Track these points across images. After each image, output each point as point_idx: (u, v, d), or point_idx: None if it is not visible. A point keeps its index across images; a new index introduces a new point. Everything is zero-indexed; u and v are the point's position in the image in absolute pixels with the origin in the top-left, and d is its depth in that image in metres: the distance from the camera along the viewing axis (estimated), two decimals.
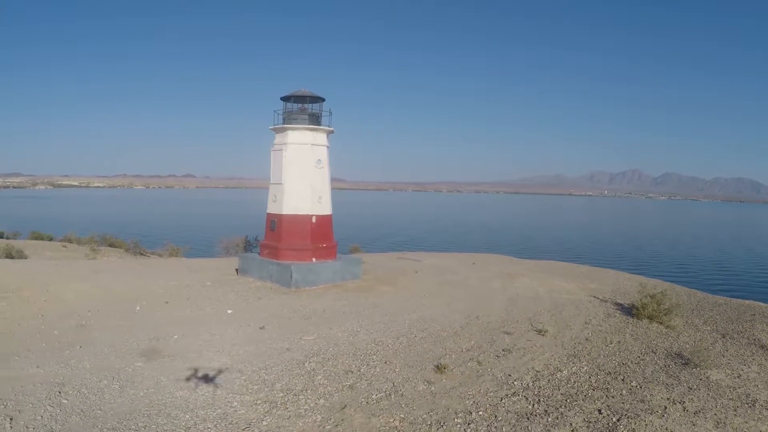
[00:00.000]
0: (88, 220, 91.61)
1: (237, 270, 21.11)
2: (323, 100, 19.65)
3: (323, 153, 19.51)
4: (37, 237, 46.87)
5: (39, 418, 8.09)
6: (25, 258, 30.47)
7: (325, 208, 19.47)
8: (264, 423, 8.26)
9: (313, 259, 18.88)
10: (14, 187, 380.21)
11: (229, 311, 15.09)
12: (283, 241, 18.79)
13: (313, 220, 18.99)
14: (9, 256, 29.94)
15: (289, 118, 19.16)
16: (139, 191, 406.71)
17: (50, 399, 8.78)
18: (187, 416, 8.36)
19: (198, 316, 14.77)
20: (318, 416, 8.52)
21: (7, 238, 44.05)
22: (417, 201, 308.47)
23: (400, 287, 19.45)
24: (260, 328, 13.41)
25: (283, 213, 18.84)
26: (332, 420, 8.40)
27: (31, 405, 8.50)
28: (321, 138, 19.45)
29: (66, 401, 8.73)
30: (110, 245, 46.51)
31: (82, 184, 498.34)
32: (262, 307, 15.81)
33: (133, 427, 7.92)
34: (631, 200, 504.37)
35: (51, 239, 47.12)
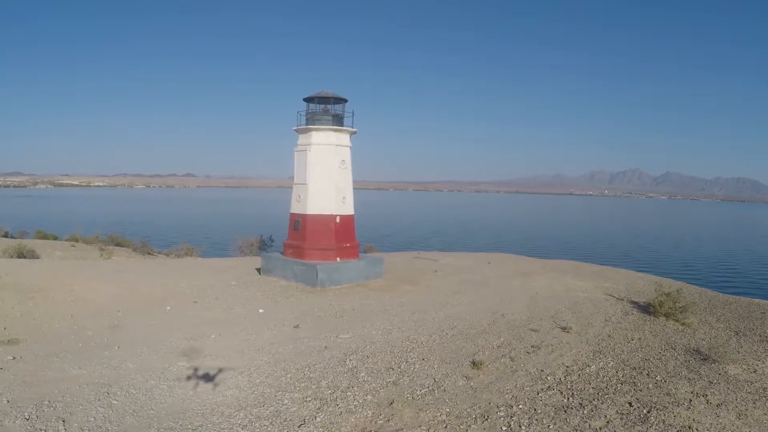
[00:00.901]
0: (91, 219, 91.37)
1: (259, 270, 21.33)
2: (346, 101, 19.89)
3: (347, 154, 19.77)
4: (43, 236, 46.77)
5: (92, 419, 8.19)
6: (37, 258, 30.55)
7: (348, 208, 19.73)
8: (318, 419, 8.47)
9: (338, 259, 19.12)
10: (15, 186, 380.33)
11: (261, 311, 15.31)
12: (308, 240, 19.02)
13: (338, 220, 19.24)
14: (21, 255, 29.86)
15: (312, 119, 19.40)
16: (140, 190, 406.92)
17: (100, 400, 8.88)
18: (242, 414, 8.55)
19: (230, 315, 14.98)
20: (369, 411, 8.77)
21: (12, 238, 43.70)
22: (418, 200, 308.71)
23: (423, 286, 19.70)
24: (294, 327, 13.63)
25: (308, 213, 19.08)
26: (383, 415, 8.65)
27: (81, 407, 8.59)
28: (344, 139, 19.71)
29: (116, 402, 8.84)
30: (117, 244, 46.57)
31: (83, 184, 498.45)
32: (291, 307, 16.03)
33: (189, 426, 8.07)
34: (631, 200, 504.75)
35: (56, 238, 46.99)
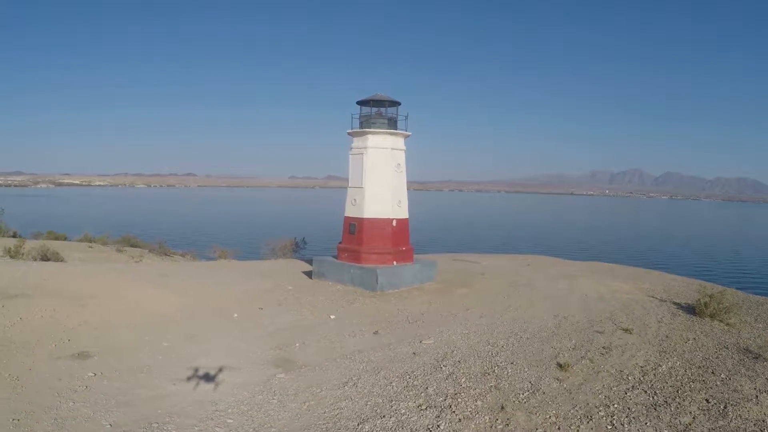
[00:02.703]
0: (95, 219, 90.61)
1: (308, 273, 21.22)
2: (399, 104, 19.82)
3: (402, 157, 19.76)
4: (54, 237, 46.12)
5: None
6: (62, 260, 30.19)
7: (403, 212, 19.70)
8: (441, 427, 8.50)
9: (394, 263, 19.08)
10: (16, 186, 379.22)
11: (332, 317, 15.21)
12: (365, 244, 18.99)
13: (394, 223, 19.20)
14: (44, 258, 29.34)
15: (368, 122, 19.35)
16: (141, 190, 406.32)
17: (212, 419, 8.64)
18: (367, 427, 8.50)
19: (303, 322, 14.86)
20: (485, 417, 8.86)
21: (16, 237, 42.78)
22: (419, 200, 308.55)
23: (476, 289, 19.70)
24: (374, 333, 13.58)
25: (365, 216, 19.04)
26: (499, 420, 8.75)
27: (196, 428, 8.34)
28: (399, 142, 19.70)
29: (231, 421, 8.62)
30: (132, 245, 46.18)
31: (84, 183, 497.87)
32: (360, 312, 15.97)
33: None
34: (632, 200, 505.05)
35: (65, 239, 46.44)
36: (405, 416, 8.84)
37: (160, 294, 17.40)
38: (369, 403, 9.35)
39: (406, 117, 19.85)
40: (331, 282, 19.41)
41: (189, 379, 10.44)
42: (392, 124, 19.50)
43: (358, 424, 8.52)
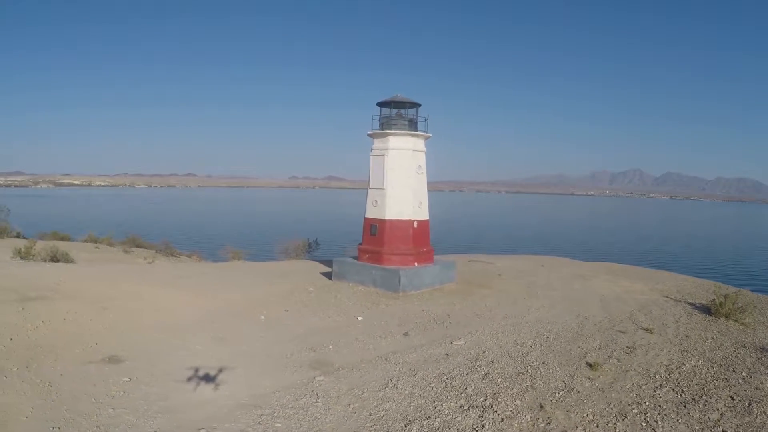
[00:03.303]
0: (96, 220, 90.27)
1: (326, 274, 21.28)
2: (419, 105, 19.90)
3: (422, 158, 19.85)
4: (60, 237, 45.78)
5: None
6: (71, 261, 30.08)
7: (424, 213, 19.78)
8: (487, 427, 8.62)
9: (416, 264, 19.14)
10: (16, 186, 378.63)
11: (360, 318, 15.29)
12: (386, 245, 19.06)
13: (415, 225, 19.27)
14: (54, 259, 29.16)
15: (388, 124, 19.41)
16: (141, 190, 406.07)
17: (261, 424, 8.61)
18: (415, 428, 8.57)
19: (331, 323, 14.93)
20: (527, 416, 9.03)
21: (20, 237, 42.42)
22: None
23: (495, 290, 19.82)
24: (404, 334, 13.65)
25: (386, 218, 19.11)
26: (540, 419, 8.92)
27: None
28: (420, 144, 19.79)
29: (279, 425, 8.62)
30: (137, 246, 46.05)
31: (84, 183, 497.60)
32: (386, 313, 16.07)
33: None
34: (633, 200, 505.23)
35: (69, 239, 46.12)
36: (449, 417, 8.95)
37: (181, 296, 17.34)
38: (412, 404, 9.43)
39: (426, 118, 19.98)
40: (351, 283, 19.46)
41: (227, 383, 10.31)
42: (412, 125, 19.58)
43: (405, 426, 8.59)
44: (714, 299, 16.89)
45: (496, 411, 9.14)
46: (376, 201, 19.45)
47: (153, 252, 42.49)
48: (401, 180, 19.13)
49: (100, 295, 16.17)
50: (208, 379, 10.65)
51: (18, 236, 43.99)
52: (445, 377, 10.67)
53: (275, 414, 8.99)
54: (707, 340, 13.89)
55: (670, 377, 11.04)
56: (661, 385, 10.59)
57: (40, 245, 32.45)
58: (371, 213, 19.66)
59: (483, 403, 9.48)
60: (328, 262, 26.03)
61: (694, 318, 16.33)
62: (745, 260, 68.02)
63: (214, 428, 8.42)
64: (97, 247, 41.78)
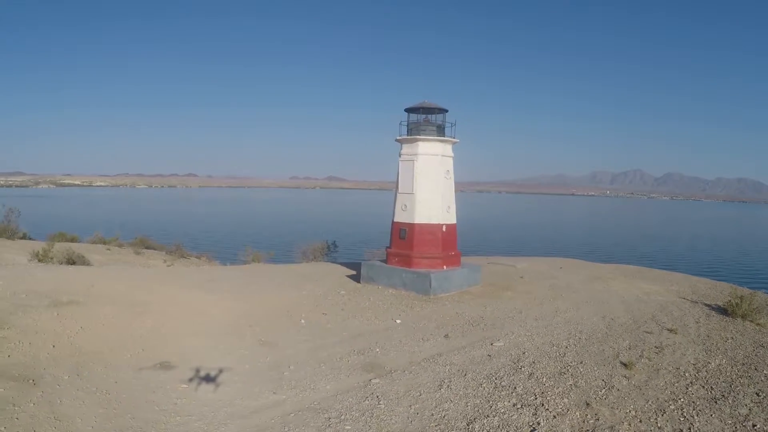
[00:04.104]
0: (98, 220, 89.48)
1: (353, 277, 21.65)
2: (447, 111, 20.29)
3: (450, 164, 20.31)
4: (71, 239, 45.52)
5: None
6: (88, 263, 30.19)
7: (452, 217, 20.22)
8: (542, 424, 9.12)
9: (444, 267, 19.55)
10: (17, 186, 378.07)
11: (398, 321, 15.65)
12: (416, 249, 19.48)
13: (444, 229, 19.71)
14: (70, 261, 29.09)
15: (417, 129, 19.81)
16: (143, 190, 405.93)
17: (331, 426, 8.88)
18: (476, 426, 8.96)
19: (371, 326, 15.18)
20: (576, 413, 9.54)
21: (25, 239, 42.19)
22: None
23: (520, 292, 20.24)
24: (444, 336, 14.07)
25: (415, 222, 19.54)
26: (589, 416, 9.44)
27: None
28: (449, 149, 20.26)
29: (349, 427, 8.91)
30: (147, 247, 46.12)
31: (85, 183, 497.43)
32: (421, 316, 16.41)
33: None
34: (633, 200, 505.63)
35: (75, 240, 45.90)
36: (506, 415, 9.39)
37: (216, 299, 17.46)
38: (469, 404, 9.87)
39: (454, 124, 20.35)
40: (381, 286, 19.83)
41: (285, 387, 10.57)
42: (440, 130, 20.00)
43: (467, 424, 9.02)
44: (730, 300, 17.45)
45: (547, 409, 9.66)
46: (405, 205, 19.87)
47: (163, 253, 42.71)
48: (430, 185, 19.56)
49: (134, 299, 16.36)
50: (264, 383, 10.85)
51: (24, 237, 43.75)
52: (494, 377, 11.12)
53: (342, 417, 9.34)
54: (727, 339, 14.45)
55: (699, 375, 11.61)
56: (691, 382, 11.17)
57: (57, 247, 32.63)
58: (400, 217, 20.07)
59: (534, 401, 9.98)
60: (349, 265, 26.44)
61: (712, 319, 16.87)
62: (753, 262, 68.42)
63: None
64: (108, 249, 41.85)
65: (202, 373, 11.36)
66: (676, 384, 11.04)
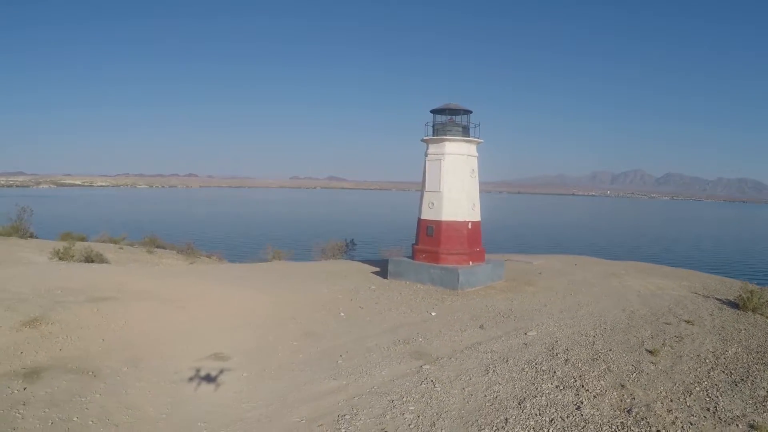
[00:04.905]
0: (101, 220, 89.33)
1: (379, 273, 22.40)
2: (471, 112, 21.08)
3: (475, 163, 21.13)
4: (76, 238, 45.47)
5: (409, 424, 8.89)
6: (107, 262, 30.61)
7: (477, 215, 21.05)
8: (585, 403, 10.03)
9: (470, 263, 20.32)
10: (18, 186, 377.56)
11: (433, 313, 16.41)
12: (443, 245, 20.28)
13: (469, 226, 20.51)
14: (89, 260, 29.58)
15: (443, 130, 20.60)
16: (144, 190, 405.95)
17: (396, 408, 9.50)
18: (527, 405, 9.81)
19: (409, 319, 15.90)
20: (614, 393, 10.46)
21: (32, 238, 42.05)
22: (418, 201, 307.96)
23: (541, 287, 21.05)
24: (480, 327, 14.86)
25: (442, 219, 20.34)
26: (625, 395, 10.34)
27: (388, 416, 9.16)
28: (473, 149, 21.09)
29: (413, 407, 9.54)
30: (157, 246, 46.57)
31: (85, 183, 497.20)
32: (454, 309, 17.21)
33: (496, 419, 9.18)
34: (634, 200, 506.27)
35: (83, 240, 45.99)
36: (551, 395, 10.24)
37: (251, 295, 17.95)
38: (516, 386, 10.70)
39: (478, 125, 21.14)
40: (408, 281, 20.60)
41: (343, 373, 11.16)
42: (465, 131, 20.79)
43: (518, 403, 9.86)
44: (740, 295, 18.44)
45: (587, 390, 10.55)
46: (432, 203, 20.65)
47: (174, 252, 43.17)
48: (456, 183, 20.40)
49: (168, 295, 16.75)
50: (321, 371, 11.42)
51: (31, 236, 44.61)
52: (534, 363, 11.98)
53: (404, 399, 10.02)
54: (741, 330, 15.40)
55: (718, 362, 12.54)
56: (712, 368, 12.10)
57: (76, 246, 33.04)
58: (427, 214, 20.85)
59: (574, 383, 10.84)
60: (370, 262, 27.20)
61: (724, 312, 17.79)
62: (756, 262, 69.28)
63: (356, 413, 9.42)
64: (120, 248, 42.33)
65: (259, 363, 11.81)
66: (699, 369, 11.98)
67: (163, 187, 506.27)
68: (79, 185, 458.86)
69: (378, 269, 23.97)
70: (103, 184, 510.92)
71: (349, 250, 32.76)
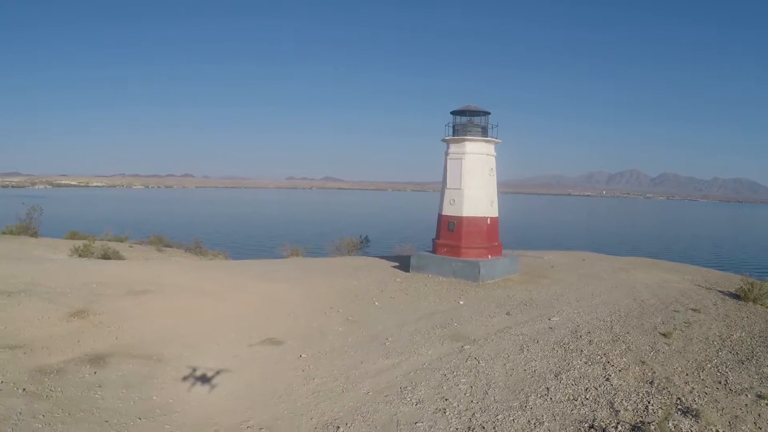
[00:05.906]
0: (102, 220, 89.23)
1: (399, 266, 23.56)
2: (489, 113, 22.31)
3: (493, 162, 22.40)
4: (81, 237, 45.66)
5: (465, 393, 9.94)
6: (123, 258, 31.30)
7: (495, 211, 22.29)
8: (612, 375, 11.16)
9: (489, 256, 21.54)
10: (13, 187, 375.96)
11: (461, 302, 17.57)
12: (464, 240, 21.49)
13: (488, 221, 21.74)
14: (106, 257, 29.62)
15: (464, 130, 21.84)
16: (139, 191, 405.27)
17: (449, 380, 10.53)
18: (563, 377, 10.93)
19: (440, 307, 16.96)
20: (636, 368, 11.65)
21: (37, 237, 42.15)
22: (420, 201, 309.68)
23: (555, 280, 22.27)
24: (507, 314, 16.08)
25: (463, 215, 21.56)
26: (646, 370, 11.49)
27: (444, 386, 10.18)
28: (492, 149, 22.36)
29: (464, 380, 10.64)
30: (165, 245, 47.28)
31: (81, 184, 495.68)
32: (479, 298, 18.35)
33: (542, 387, 10.38)
34: (630, 200, 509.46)
35: (93, 239, 46.19)
36: (582, 369, 11.46)
37: (285, 287, 18.75)
38: (550, 362, 11.87)
39: (496, 125, 22.41)
40: (430, 274, 21.77)
41: (393, 353, 12.12)
42: (484, 131, 22.04)
43: (555, 376, 11.05)
44: (741, 286, 19.78)
45: (613, 365, 11.80)
46: (453, 200, 21.89)
47: (182, 251, 43.87)
48: (476, 181, 21.66)
49: (207, 288, 17.36)
50: (372, 352, 12.34)
51: (35, 235, 44.78)
52: (561, 343, 13.22)
53: (455, 373, 11.14)
54: (743, 318, 16.69)
55: (725, 344, 13.79)
56: (719, 349, 13.35)
57: (68, 244, 33.40)
58: (448, 210, 22.09)
59: (601, 359, 12.09)
60: (387, 257, 28.34)
61: (727, 302, 19.08)
62: (752, 258, 70.85)
63: (416, 385, 10.50)
64: (130, 246, 43.09)
65: (313, 347, 12.59)
66: (708, 349, 13.24)
67: (159, 187, 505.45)
68: (75, 186, 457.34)
69: (397, 264, 25.05)
70: (99, 184, 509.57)
71: (363, 246, 33.84)
